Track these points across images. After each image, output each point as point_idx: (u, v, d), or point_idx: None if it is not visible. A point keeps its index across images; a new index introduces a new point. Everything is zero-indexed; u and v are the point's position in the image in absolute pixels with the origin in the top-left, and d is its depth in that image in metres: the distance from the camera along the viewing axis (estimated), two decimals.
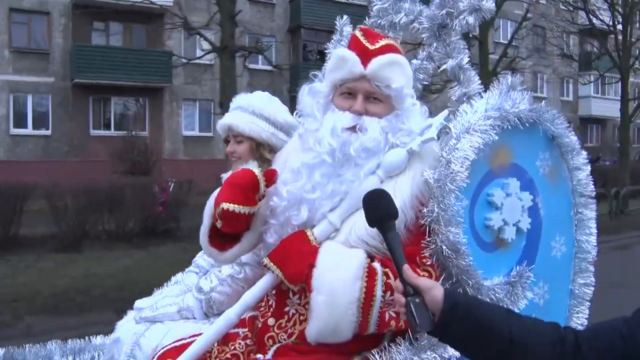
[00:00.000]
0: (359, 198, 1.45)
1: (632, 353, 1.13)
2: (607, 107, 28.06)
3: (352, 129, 1.67)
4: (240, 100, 2.32)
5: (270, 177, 1.75)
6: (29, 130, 18.50)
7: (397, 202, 1.54)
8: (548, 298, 1.90)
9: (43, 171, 13.41)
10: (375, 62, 1.67)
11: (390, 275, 1.54)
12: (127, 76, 19.03)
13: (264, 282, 1.68)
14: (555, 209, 1.93)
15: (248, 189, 1.68)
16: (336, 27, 2.49)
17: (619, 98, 17.46)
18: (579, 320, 2.04)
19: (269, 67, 19.84)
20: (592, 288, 2.02)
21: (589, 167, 1.97)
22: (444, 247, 1.57)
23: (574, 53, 17.49)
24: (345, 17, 2.49)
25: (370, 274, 1.54)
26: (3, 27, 17.88)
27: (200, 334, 1.77)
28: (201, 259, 2.42)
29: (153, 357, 1.82)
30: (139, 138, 17.87)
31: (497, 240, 1.75)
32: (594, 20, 15.98)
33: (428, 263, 1.61)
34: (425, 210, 1.61)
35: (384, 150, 1.69)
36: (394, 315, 1.55)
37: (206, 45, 15.54)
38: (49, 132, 18.64)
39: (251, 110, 2.25)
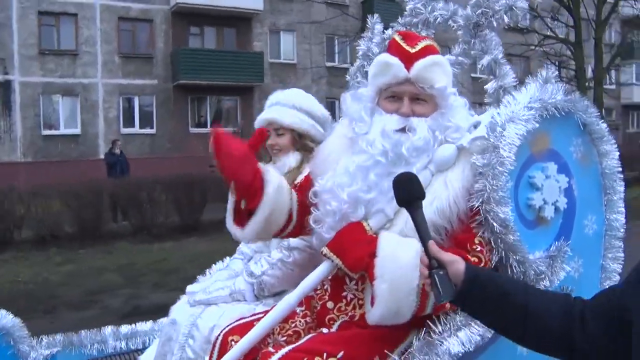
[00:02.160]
0: None
1: (622, 316, 1.17)
2: None
3: (402, 130, 1.73)
4: (279, 96, 2.42)
5: (259, 135, 1.86)
6: (136, 129, 19.83)
7: (449, 194, 1.68)
8: (582, 272, 2.01)
9: (150, 167, 14.51)
10: (418, 65, 1.73)
11: None
12: (222, 76, 20.16)
13: (322, 270, 1.73)
14: (587, 190, 2.03)
15: (246, 158, 1.76)
16: (367, 25, 2.61)
17: None
18: None
19: (346, 65, 20.51)
20: (621, 263, 2.10)
21: (617, 152, 2.06)
22: (495, 225, 1.68)
23: (615, 42, 16.53)
24: (376, 15, 2.61)
25: None
26: (113, 35, 19.38)
27: (256, 314, 1.93)
28: (245, 246, 2.53)
29: (219, 335, 1.87)
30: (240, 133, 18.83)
31: (538, 218, 1.86)
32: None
33: (478, 250, 1.68)
34: (475, 192, 1.69)
35: (433, 148, 1.74)
36: None
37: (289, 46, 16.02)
38: (153, 131, 19.96)
39: (291, 105, 2.36)
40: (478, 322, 1.60)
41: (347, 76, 2.73)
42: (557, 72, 1.98)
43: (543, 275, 1.82)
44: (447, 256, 1.33)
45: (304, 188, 1.94)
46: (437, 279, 1.30)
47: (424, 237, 1.35)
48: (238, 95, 21.47)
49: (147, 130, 20.03)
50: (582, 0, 14.96)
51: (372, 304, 1.61)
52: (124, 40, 19.70)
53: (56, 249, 8.92)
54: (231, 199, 1.85)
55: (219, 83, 20.31)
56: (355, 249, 1.64)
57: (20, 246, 9.01)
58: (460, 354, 1.63)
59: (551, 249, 1.88)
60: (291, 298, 1.74)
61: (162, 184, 10.14)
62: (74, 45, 18.83)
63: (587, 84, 15.34)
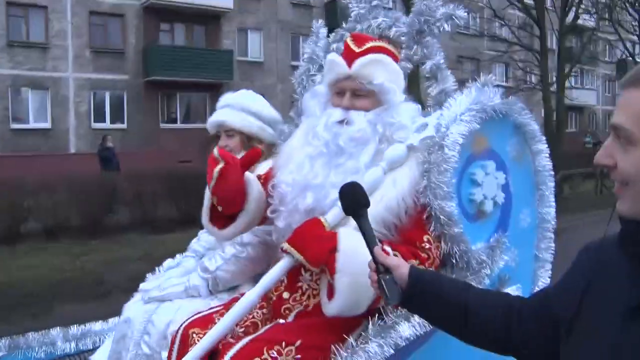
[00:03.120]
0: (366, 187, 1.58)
1: (554, 319, 1.17)
2: (585, 95, 31.99)
3: (341, 122, 1.83)
4: (229, 98, 2.47)
5: (249, 158, 1.93)
6: (107, 124, 19.62)
7: (397, 192, 1.74)
8: (519, 261, 2.10)
9: (121, 161, 14.41)
10: (358, 62, 1.83)
11: (400, 256, 1.59)
12: (193, 73, 20.27)
13: (283, 265, 1.73)
14: (522, 186, 2.15)
15: (211, 167, 1.83)
16: (312, 29, 2.64)
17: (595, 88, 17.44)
18: (543, 280, 2.24)
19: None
20: (552, 252, 2.25)
21: (547, 151, 2.19)
22: (441, 217, 1.77)
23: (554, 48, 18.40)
24: (320, 20, 2.67)
25: None
26: (84, 29, 19.13)
27: (213, 307, 1.95)
28: (196, 244, 2.57)
29: (178, 329, 1.86)
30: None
31: (478, 212, 1.97)
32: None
33: (427, 247, 1.74)
34: (421, 189, 1.78)
35: (375, 140, 1.82)
36: None
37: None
38: (124, 126, 19.81)
39: (240, 107, 2.41)
40: None
41: (291, 78, 2.77)
42: (493, 77, 2.13)
43: (484, 264, 1.90)
44: (393, 261, 1.37)
45: (267, 182, 2.00)
46: (384, 284, 1.34)
47: (370, 244, 1.38)
48: (207, 92, 21.55)
49: (118, 125, 19.87)
50: (547, 12, 16.01)
51: (330, 296, 1.65)
52: (95, 34, 19.48)
53: (69, 241, 8.99)
54: (208, 200, 1.93)
55: (189, 79, 20.42)
56: (316, 244, 1.66)
57: (28, 238, 9.04)
58: (412, 337, 1.68)
59: (491, 240, 2.00)
60: (252, 294, 1.72)
61: (158, 178, 10.33)
62: (44, 38, 18.54)
63: (548, 88, 16.40)
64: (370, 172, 1.76)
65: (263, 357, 1.58)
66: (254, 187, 1.92)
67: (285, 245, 1.71)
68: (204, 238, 2.55)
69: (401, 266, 1.36)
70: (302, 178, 1.81)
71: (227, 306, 1.87)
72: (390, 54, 1.94)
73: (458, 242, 1.82)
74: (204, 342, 1.66)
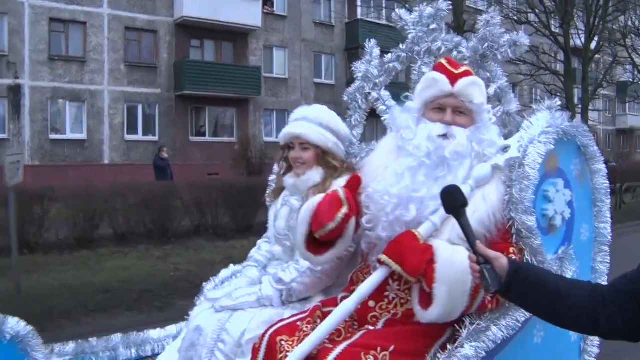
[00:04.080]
0: None
1: (638, 292, 1.37)
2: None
3: (444, 136, 1.92)
4: (306, 111, 2.46)
5: (356, 182, 1.92)
6: (140, 136, 20.20)
7: (488, 207, 1.84)
8: (579, 272, 2.22)
9: (152, 173, 14.68)
10: (461, 82, 1.96)
11: None
12: (223, 88, 20.79)
13: (379, 275, 1.81)
14: (582, 202, 2.26)
15: (333, 208, 1.83)
16: (366, 48, 2.74)
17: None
18: None
19: (331, 82, 22.87)
20: (608, 264, 2.36)
21: (605, 171, 2.31)
22: (522, 231, 1.88)
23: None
24: (373, 40, 2.76)
25: None
26: (120, 44, 19.74)
27: (294, 315, 1.99)
28: (257, 254, 2.58)
29: (263, 337, 1.89)
30: (253, 141, 19.30)
31: (549, 226, 2.07)
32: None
33: (513, 258, 1.78)
34: (506, 203, 1.88)
35: (471, 156, 1.92)
36: (490, 299, 1.80)
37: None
38: (156, 138, 20.27)
39: (319, 122, 2.40)
40: (511, 313, 1.82)
41: (344, 96, 2.82)
42: (558, 102, 2.23)
43: None
44: (493, 253, 1.53)
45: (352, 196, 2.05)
46: (486, 273, 1.49)
47: (471, 238, 1.54)
48: (234, 106, 22.13)
49: (150, 138, 20.33)
50: (572, 38, 16.46)
51: (424, 304, 1.74)
52: (130, 49, 20.07)
53: (144, 246, 9.35)
54: (305, 227, 1.89)
55: (218, 94, 20.91)
56: (414, 256, 1.73)
57: (101, 243, 9.41)
58: (499, 340, 1.78)
59: (559, 252, 2.11)
60: (350, 303, 1.80)
61: (216, 189, 10.71)
62: (82, 52, 19.16)
63: (574, 109, 16.82)
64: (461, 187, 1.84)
65: None
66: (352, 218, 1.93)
67: (383, 257, 1.78)
68: (264, 248, 2.59)
69: (500, 258, 1.52)
70: (405, 190, 1.88)
71: (311, 314, 1.93)
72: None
73: (536, 254, 1.93)
74: (305, 346, 1.73)
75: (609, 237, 2.36)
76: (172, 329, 2.63)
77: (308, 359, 1.76)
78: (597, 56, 19.20)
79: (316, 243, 1.92)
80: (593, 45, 17.94)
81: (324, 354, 1.72)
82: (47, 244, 8.97)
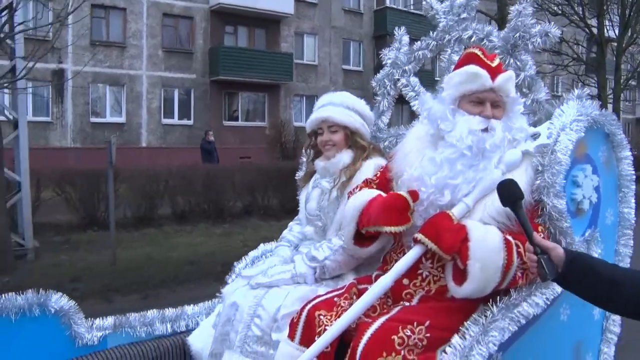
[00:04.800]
0: (489, 186, 1.83)
1: None
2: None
3: (485, 130, 1.97)
4: (331, 97, 2.51)
5: (415, 195, 1.96)
6: (175, 120, 20.58)
7: None
8: (603, 255, 2.27)
9: (188, 156, 15.15)
10: (500, 78, 2.00)
11: (520, 245, 1.78)
12: (255, 74, 21.02)
13: (415, 253, 1.88)
14: (608, 188, 2.31)
15: (404, 210, 1.94)
16: (395, 35, 2.77)
17: None
18: None
19: (359, 68, 22.85)
20: (632, 247, 2.43)
21: (630, 158, 2.37)
22: (552, 213, 1.93)
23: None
24: (403, 28, 2.78)
25: (509, 245, 1.78)
26: (157, 30, 20.08)
27: (329, 292, 2.07)
28: (289, 234, 2.66)
29: (301, 311, 1.96)
30: (286, 126, 19.52)
31: (577, 210, 2.13)
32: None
33: (541, 236, 1.80)
34: (535, 187, 1.94)
35: (505, 146, 1.98)
36: (520, 275, 1.83)
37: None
38: (191, 122, 20.68)
39: (345, 105, 2.46)
40: (541, 292, 1.89)
41: (372, 82, 2.85)
42: (588, 91, 2.26)
43: None
44: (549, 244, 1.59)
45: (383, 185, 2.15)
46: (543, 262, 1.54)
47: (528, 230, 1.60)
48: (266, 92, 22.35)
49: (185, 122, 20.69)
50: (606, 29, 16.42)
51: (458, 281, 1.81)
52: (167, 35, 20.39)
53: (204, 224, 9.75)
54: (353, 222, 2.05)
55: (251, 80, 21.16)
56: (449, 235, 1.80)
57: (161, 221, 9.85)
58: (530, 316, 1.85)
59: (586, 234, 2.17)
60: (387, 279, 1.88)
61: (265, 172, 11.06)
62: (122, 37, 19.55)
63: (606, 99, 16.76)
64: (491, 173, 1.92)
65: (399, 334, 1.74)
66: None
67: (420, 236, 1.84)
68: (295, 229, 2.67)
69: (557, 248, 1.59)
70: (443, 178, 1.94)
71: (348, 290, 2.03)
72: None
73: (565, 235, 2.00)
74: (343, 320, 1.83)
75: (633, 222, 2.42)
76: (205, 305, 2.70)
77: (346, 333, 1.84)
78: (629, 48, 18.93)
79: (361, 236, 2.04)
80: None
81: (364, 327, 1.79)
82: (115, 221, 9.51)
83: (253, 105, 22.61)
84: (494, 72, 2.01)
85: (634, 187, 2.41)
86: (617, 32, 17.08)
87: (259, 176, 10.83)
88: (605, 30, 16.71)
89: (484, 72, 1.99)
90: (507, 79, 2.02)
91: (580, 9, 16.52)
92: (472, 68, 2.02)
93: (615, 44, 17.00)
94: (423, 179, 1.96)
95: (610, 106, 16.79)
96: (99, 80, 19.25)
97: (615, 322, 2.48)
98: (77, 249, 7.98)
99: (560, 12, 16.66)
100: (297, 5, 22.65)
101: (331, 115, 2.43)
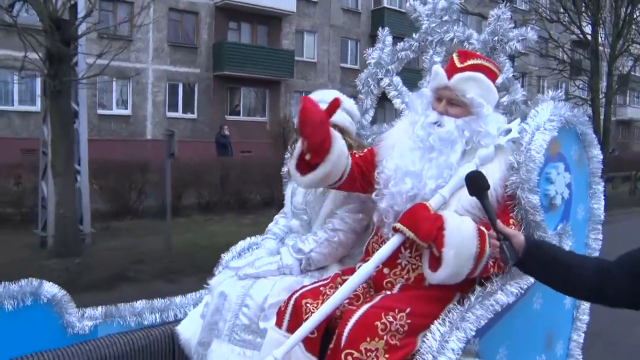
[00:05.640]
0: (463, 179, 1.85)
1: None
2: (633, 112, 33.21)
3: (435, 124, 2.04)
4: (322, 95, 2.48)
5: (336, 104, 1.95)
6: (180, 113, 20.62)
7: (491, 182, 1.87)
8: (574, 248, 2.31)
9: (191, 148, 15.22)
10: (457, 77, 2.04)
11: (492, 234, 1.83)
12: (258, 70, 21.09)
13: (395, 242, 1.95)
14: (579, 185, 2.37)
15: (322, 123, 1.92)
16: (379, 36, 2.78)
17: None
18: None
19: (356, 66, 23.02)
20: (600, 241, 2.51)
21: (600, 156, 2.42)
22: (527, 207, 2.01)
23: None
24: (386, 28, 2.81)
25: (482, 235, 1.84)
26: (163, 24, 19.91)
27: (315, 282, 2.14)
28: (275, 227, 2.68)
29: (289, 300, 2.02)
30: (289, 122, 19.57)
31: (550, 205, 2.18)
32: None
33: (512, 229, 1.90)
34: (510, 183, 2.01)
35: (462, 142, 2.02)
36: (492, 264, 1.92)
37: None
38: (195, 116, 20.74)
39: None
40: (516, 281, 1.98)
41: (356, 81, 2.87)
42: (561, 92, 2.30)
43: None
44: (511, 231, 1.72)
45: (364, 158, 2.20)
46: (505, 248, 1.65)
47: (492, 218, 1.70)
48: (267, 88, 22.43)
49: (189, 115, 20.76)
50: (600, 36, 16.91)
51: (433, 268, 1.88)
52: (173, 29, 20.41)
53: (230, 214, 9.96)
54: (298, 148, 2.05)
55: (253, 75, 21.21)
56: (426, 224, 1.86)
57: (186, 211, 10.09)
58: (505, 304, 1.92)
59: (558, 228, 2.24)
60: (368, 266, 1.94)
61: (278, 166, 11.53)
62: (128, 31, 19.53)
63: (599, 102, 17.19)
64: (465, 166, 1.99)
65: (382, 320, 1.81)
66: (338, 142, 2.03)
67: (398, 225, 1.92)
68: (281, 222, 2.70)
69: (518, 235, 1.71)
70: (403, 165, 2.03)
71: (333, 280, 2.09)
72: (488, 72, 2.10)
73: (539, 229, 2.07)
74: (328, 305, 1.88)
75: (602, 217, 2.50)
76: (193, 296, 2.75)
77: (331, 321, 1.92)
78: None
79: (308, 167, 2.04)
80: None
81: (348, 314, 1.86)
82: (144, 210, 9.77)
83: (254, 101, 22.71)
84: (453, 72, 2.06)
85: (602, 184, 2.50)
86: (610, 40, 17.54)
87: (276, 170, 11.07)
88: (600, 38, 17.15)
89: (441, 71, 2.08)
90: (464, 79, 2.04)
91: (577, 17, 16.96)
92: (436, 67, 2.14)
93: (609, 50, 17.46)
94: (389, 164, 2.08)
95: (602, 110, 17.08)
96: (106, 73, 19.17)
97: (584, 310, 2.57)
98: (121, 235, 8.30)
99: (557, 19, 17.13)
100: (299, 3, 22.70)
101: None
